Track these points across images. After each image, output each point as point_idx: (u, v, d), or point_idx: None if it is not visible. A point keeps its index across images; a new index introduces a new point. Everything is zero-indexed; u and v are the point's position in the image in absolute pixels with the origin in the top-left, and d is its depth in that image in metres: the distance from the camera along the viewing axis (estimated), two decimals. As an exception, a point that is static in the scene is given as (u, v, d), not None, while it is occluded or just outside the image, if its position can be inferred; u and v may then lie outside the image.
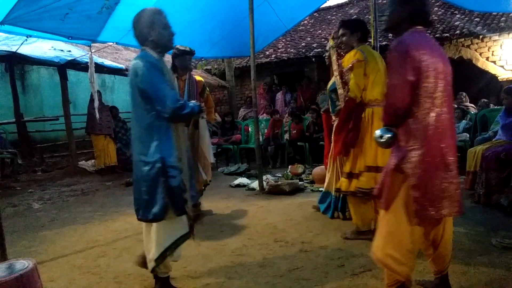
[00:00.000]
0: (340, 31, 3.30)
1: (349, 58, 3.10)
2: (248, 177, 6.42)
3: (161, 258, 2.32)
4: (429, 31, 8.97)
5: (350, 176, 3.16)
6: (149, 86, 2.18)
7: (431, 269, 2.26)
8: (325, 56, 3.77)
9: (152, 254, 2.33)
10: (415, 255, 2.06)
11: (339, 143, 3.25)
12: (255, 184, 5.65)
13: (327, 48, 3.72)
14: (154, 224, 2.32)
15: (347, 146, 3.16)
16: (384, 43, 9.00)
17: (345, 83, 3.38)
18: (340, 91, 3.39)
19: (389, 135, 2.06)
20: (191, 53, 3.91)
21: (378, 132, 2.12)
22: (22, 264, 1.87)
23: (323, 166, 4.43)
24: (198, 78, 4.12)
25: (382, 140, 2.10)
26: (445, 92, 2.00)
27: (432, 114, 1.95)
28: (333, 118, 3.61)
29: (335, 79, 3.46)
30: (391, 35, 9.46)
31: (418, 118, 1.95)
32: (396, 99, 1.96)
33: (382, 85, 3.05)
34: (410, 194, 1.96)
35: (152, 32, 2.29)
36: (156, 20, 2.31)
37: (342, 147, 3.20)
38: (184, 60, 3.88)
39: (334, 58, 3.55)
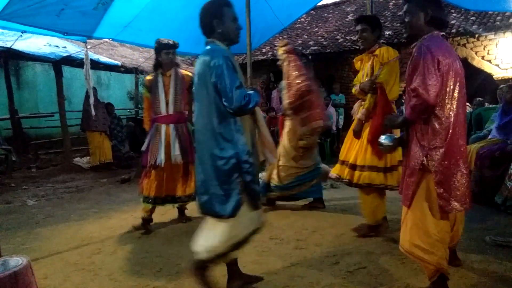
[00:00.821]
0: (360, 26, 3.26)
1: (390, 55, 3.12)
2: (244, 175, 6.41)
3: (234, 247, 2.29)
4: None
5: (379, 170, 3.12)
6: (221, 80, 2.14)
7: None
8: (278, 63, 4.10)
9: (211, 247, 2.27)
10: (446, 245, 2.20)
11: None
12: (251, 181, 5.64)
13: (278, 55, 4.09)
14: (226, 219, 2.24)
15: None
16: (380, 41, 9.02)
17: (289, 85, 3.90)
18: (284, 91, 3.98)
19: (391, 144, 2.39)
20: (175, 46, 3.71)
21: (383, 139, 2.40)
22: (16, 261, 1.86)
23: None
24: (185, 72, 3.84)
25: (383, 147, 2.41)
26: (461, 93, 2.17)
27: (453, 115, 2.13)
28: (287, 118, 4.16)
29: (284, 82, 3.98)
30: (388, 33, 9.49)
31: (441, 119, 2.12)
32: (431, 98, 2.07)
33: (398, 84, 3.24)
34: (431, 189, 2.13)
35: (220, 24, 2.26)
36: (225, 12, 2.27)
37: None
38: (168, 54, 3.66)
39: (285, 63, 3.97)
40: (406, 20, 2.28)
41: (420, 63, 2.10)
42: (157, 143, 3.62)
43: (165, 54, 3.65)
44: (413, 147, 2.21)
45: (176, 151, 3.62)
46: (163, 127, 3.65)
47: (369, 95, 3.16)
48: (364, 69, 3.29)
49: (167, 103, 3.66)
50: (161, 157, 3.59)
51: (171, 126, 3.66)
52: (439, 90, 2.08)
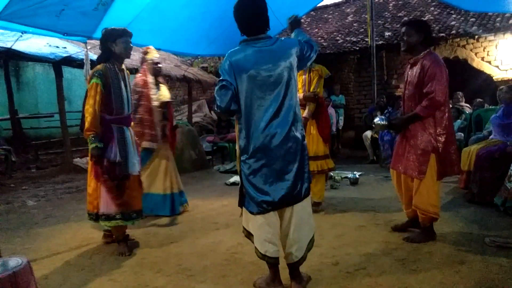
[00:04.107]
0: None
1: (325, 71, 4.13)
2: (243, 175, 6.41)
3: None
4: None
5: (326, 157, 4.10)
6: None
7: (408, 214, 3.28)
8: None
9: (307, 239, 2.39)
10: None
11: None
12: (250, 182, 5.64)
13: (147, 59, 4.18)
14: (306, 202, 2.38)
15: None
16: (380, 42, 9.03)
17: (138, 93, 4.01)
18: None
19: (385, 123, 3.30)
20: (131, 34, 3.19)
21: (378, 120, 3.31)
22: (15, 262, 1.85)
23: None
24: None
25: (378, 126, 3.34)
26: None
27: (447, 109, 2.97)
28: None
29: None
30: (387, 34, 9.50)
31: (444, 112, 2.94)
32: (442, 99, 2.87)
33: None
34: (434, 163, 2.94)
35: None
36: None
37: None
38: (128, 43, 3.14)
39: (148, 67, 4.11)
40: (405, 38, 3.03)
41: (435, 72, 2.85)
42: (125, 149, 3.09)
43: (125, 43, 3.10)
44: (420, 134, 2.97)
45: (137, 157, 3.25)
46: (127, 130, 3.15)
47: (311, 103, 4.04)
48: (299, 80, 4.04)
49: (127, 102, 3.16)
50: (136, 165, 3.18)
51: (130, 129, 3.22)
52: (447, 94, 2.88)
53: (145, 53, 4.16)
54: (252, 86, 2.24)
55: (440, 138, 2.92)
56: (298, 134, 2.30)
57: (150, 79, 4.08)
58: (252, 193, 2.30)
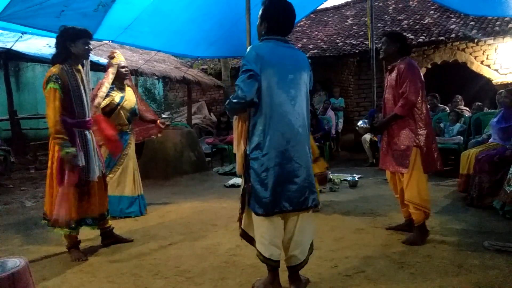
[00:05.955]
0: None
1: None
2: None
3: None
4: (424, 34, 9.05)
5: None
6: (312, 79, 2.50)
7: (404, 214, 3.38)
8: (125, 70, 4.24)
9: (309, 242, 2.41)
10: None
11: None
12: (249, 184, 5.64)
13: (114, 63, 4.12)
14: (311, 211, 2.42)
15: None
16: (380, 45, 9.04)
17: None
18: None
19: (368, 126, 3.49)
20: (92, 36, 3.16)
21: (361, 123, 3.52)
22: (13, 263, 1.85)
23: None
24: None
25: (361, 129, 3.54)
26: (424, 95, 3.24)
27: (424, 108, 3.18)
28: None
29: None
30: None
31: (422, 111, 3.14)
32: (416, 99, 3.10)
33: None
34: (418, 157, 3.10)
35: None
36: None
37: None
38: (87, 45, 3.03)
39: (114, 71, 4.08)
40: (383, 47, 3.35)
41: (409, 73, 3.10)
42: (87, 154, 3.03)
43: (84, 44, 2.98)
44: (401, 132, 3.16)
45: (98, 162, 3.17)
46: (88, 134, 3.08)
47: None
48: None
49: (87, 104, 3.07)
50: (96, 171, 3.09)
51: (91, 132, 3.15)
52: (420, 93, 3.12)
53: (111, 57, 4.13)
54: (275, 82, 2.21)
55: (421, 132, 3.11)
56: (308, 140, 2.38)
57: (107, 83, 4.04)
58: (260, 193, 2.22)
